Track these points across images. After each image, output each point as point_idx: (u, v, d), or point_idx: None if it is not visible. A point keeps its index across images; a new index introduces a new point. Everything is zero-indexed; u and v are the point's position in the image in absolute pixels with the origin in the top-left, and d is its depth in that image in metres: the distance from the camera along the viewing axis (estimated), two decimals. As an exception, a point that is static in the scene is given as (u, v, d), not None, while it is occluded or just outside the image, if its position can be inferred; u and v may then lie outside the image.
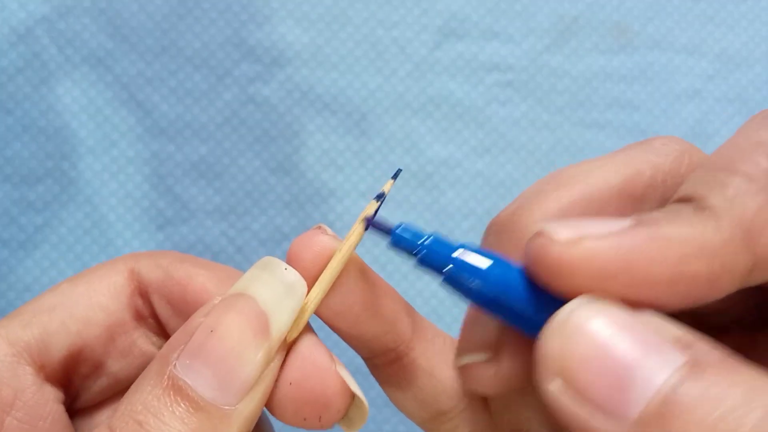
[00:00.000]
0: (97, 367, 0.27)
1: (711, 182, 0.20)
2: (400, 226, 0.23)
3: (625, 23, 0.57)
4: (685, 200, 0.20)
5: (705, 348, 0.18)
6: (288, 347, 0.24)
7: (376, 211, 0.24)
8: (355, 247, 0.24)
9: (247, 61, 0.54)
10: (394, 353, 0.25)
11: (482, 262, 0.21)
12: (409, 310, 0.26)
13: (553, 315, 0.19)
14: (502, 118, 0.55)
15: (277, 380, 0.23)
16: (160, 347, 0.28)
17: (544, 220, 0.22)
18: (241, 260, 0.51)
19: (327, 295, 0.24)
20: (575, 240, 0.19)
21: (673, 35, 0.57)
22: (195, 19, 0.54)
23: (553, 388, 0.18)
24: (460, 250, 0.22)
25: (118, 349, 0.27)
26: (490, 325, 0.23)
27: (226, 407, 0.21)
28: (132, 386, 0.22)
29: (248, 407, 0.22)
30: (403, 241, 0.23)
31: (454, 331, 0.25)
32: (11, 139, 0.51)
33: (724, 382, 0.17)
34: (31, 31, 0.53)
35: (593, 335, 0.18)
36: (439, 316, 0.52)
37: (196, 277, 0.26)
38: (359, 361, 0.27)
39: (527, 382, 0.22)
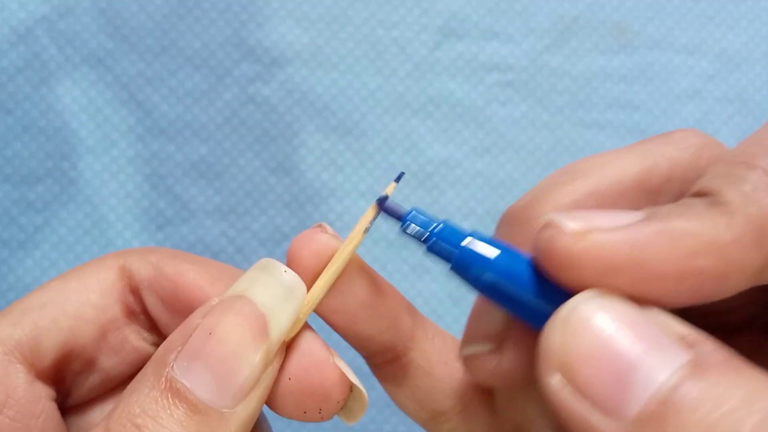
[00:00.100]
0: (89, 364, 0.26)
1: (728, 177, 0.19)
2: (411, 212, 0.23)
3: (625, 23, 0.57)
4: (701, 194, 0.20)
5: (709, 348, 0.18)
6: (286, 345, 0.24)
7: (379, 212, 0.24)
8: (356, 248, 0.24)
9: (247, 61, 0.54)
10: (394, 352, 0.25)
11: (490, 252, 0.21)
12: (410, 309, 0.26)
13: (558, 309, 0.19)
14: (502, 118, 0.55)
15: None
16: (151, 343, 0.27)
17: (556, 211, 0.22)
18: (241, 260, 0.51)
19: (326, 292, 0.24)
20: (583, 232, 0.19)
21: (673, 35, 0.57)
22: (195, 19, 0.54)
23: (553, 383, 0.18)
24: (469, 239, 0.22)
25: (109, 346, 0.27)
26: (496, 316, 0.23)
27: (225, 410, 0.21)
28: (128, 387, 0.22)
29: (246, 410, 0.22)
30: (413, 227, 0.23)
31: (454, 330, 0.25)
32: (11, 139, 0.51)
33: (726, 383, 0.17)
34: (31, 31, 0.53)
35: (596, 331, 0.18)
36: (439, 316, 0.52)
37: (188, 273, 0.26)
38: (360, 361, 0.27)
39: (530, 376, 0.22)
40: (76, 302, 0.26)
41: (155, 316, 0.27)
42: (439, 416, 0.26)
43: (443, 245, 0.22)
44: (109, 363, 0.27)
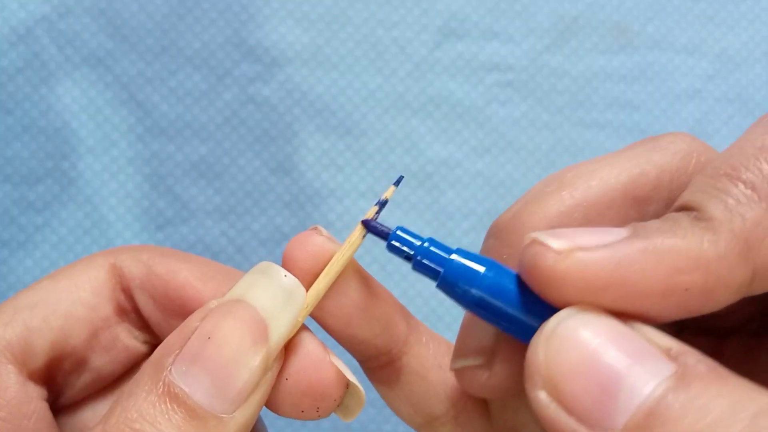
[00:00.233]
0: (81, 364, 0.26)
1: (712, 190, 0.20)
2: (396, 230, 0.23)
3: (625, 23, 0.57)
4: (685, 209, 0.20)
5: (693, 359, 0.18)
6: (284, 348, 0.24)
7: (376, 216, 0.24)
8: (353, 253, 0.24)
9: (247, 61, 0.54)
10: (388, 356, 0.25)
11: (476, 268, 0.21)
12: (404, 313, 0.26)
13: (542, 325, 0.19)
14: (502, 118, 0.55)
15: None
16: (143, 342, 0.27)
17: (544, 224, 0.22)
18: (241, 260, 0.51)
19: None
20: (567, 251, 0.19)
21: (673, 35, 0.57)
22: (195, 19, 0.54)
23: (540, 398, 0.18)
24: (454, 255, 0.22)
25: (101, 345, 0.26)
26: (485, 330, 0.23)
27: (223, 415, 0.21)
28: (125, 390, 0.22)
29: (245, 415, 0.22)
30: (398, 245, 0.23)
31: (453, 331, 0.25)
32: (11, 139, 0.51)
33: (711, 394, 0.17)
34: (31, 31, 0.53)
35: (580, 346, 0.18)
36: (439, 316, 0.52)
37: (180, 272, 0.26)
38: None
39: (521, 388, 0.22)
40: (67, 301, 0.26)
41: (147, 315, 0.27)
42: (433, 420, 0.26)
43: (428, 264, 0.22)
44: (101, 362, 0.27)
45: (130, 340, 0.27)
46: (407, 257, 0.23)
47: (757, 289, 0.20)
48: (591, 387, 0.18)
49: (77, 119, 0.52)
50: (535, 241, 0.20)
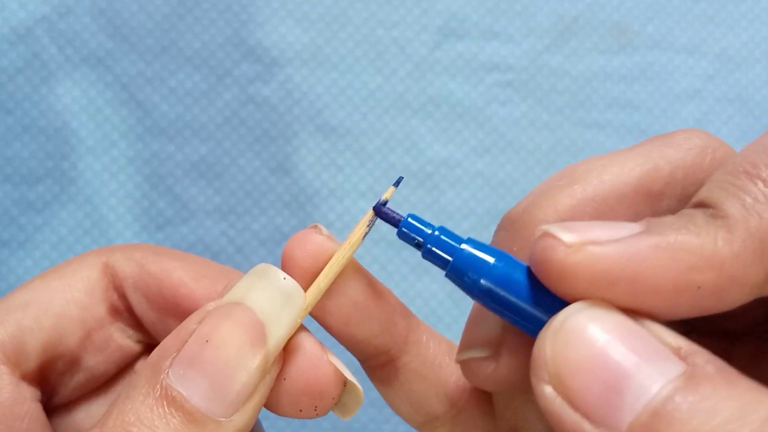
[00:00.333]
0: (74, 363, 0.26)
1: (729, 188, 0.19)
2: (408, 217, 0.23)
3: (625, 23, 0.57)
4: (701, 205, 0.19)
5: (702, 359, 0.18)
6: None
7: (375, 218, 0.24)
8: (353, 253, 0.23)
9: (247, 61, 0.54)
10: (387, 355, 0.25)
11: (486, 258, 0.21)
12: (405, 312, 0.25)
13: (550, 319, 0.19)
14: (502, 118, 0.55)
15: None
16: (137, 341, 0.27)
17: (555, 218, 0.22)
18: (241, 260, 0.51)
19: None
20: (579, 244, 0.19)
21: (673, 35, 0.57)
22: (195, 19, 0.54)
23: (545, 393, 0.18)
24: (465, 245, 0.22)
25: (94, 344, 0.26)
26: (493, 321, 0.23)
27: (221, 419, 0.21)
28: (122, 393, 0.22)
29: (243, 418, 0.22)
30: (409, 233, 0.23)
31: (454, 332, 0.25)
32: (11, 139, 0.51)
33: (720, 395, 0.17)
34: (31, 31, 0.53)
35: (588, 342, 0.18)
36: (439, 317, 0.52)
37: (173, 270, 0.26)
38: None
39: (527, 381, 0.22)
40: (60, 301, 0.25)
41: (140, 314, 0.27)
42: (433, 420, 0.26)
43: (438, 252, 0.22)
44: (94, 362, 0.26)
45: (123, 339, 0.27)
46: (417, 245, 0.23)
47: None
48: (598, 383, 0.18)
49: (77, 119, 0.52)
50: (546, 234, 0.19)
